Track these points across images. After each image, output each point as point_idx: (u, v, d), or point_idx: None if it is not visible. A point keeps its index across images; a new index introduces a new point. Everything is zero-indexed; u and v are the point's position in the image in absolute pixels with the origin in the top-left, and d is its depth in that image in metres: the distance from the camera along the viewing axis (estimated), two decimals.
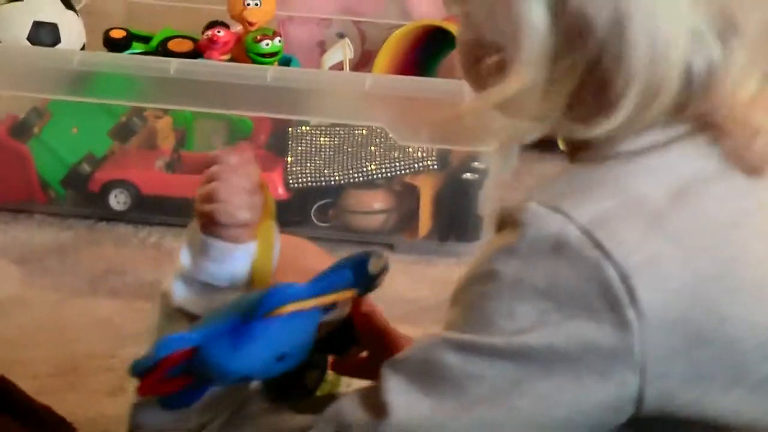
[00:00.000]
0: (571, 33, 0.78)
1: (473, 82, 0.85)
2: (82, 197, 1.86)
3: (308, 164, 1.78)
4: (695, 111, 0.81)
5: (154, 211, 1.81)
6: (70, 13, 1.95)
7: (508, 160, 1.10)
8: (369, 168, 1.69)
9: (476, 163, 1.78)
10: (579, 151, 0.84)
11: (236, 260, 0.98)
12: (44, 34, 1.90)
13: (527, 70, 0.79)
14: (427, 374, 0.80)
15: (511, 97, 0.80)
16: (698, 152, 0.83)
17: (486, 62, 0.82)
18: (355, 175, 1.73)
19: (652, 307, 0.76)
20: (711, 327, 0.78)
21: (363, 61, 2.05)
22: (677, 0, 0.78)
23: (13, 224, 1.81)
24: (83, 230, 1.80)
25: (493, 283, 0.78)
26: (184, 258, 0.97)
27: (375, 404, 0.82)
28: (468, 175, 1.78)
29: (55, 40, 1.90)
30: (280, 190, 1.72)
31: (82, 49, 1.96)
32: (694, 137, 0.82)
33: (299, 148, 1.79)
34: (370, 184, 1.68)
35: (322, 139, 1.77)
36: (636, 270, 0.76)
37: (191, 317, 0.98)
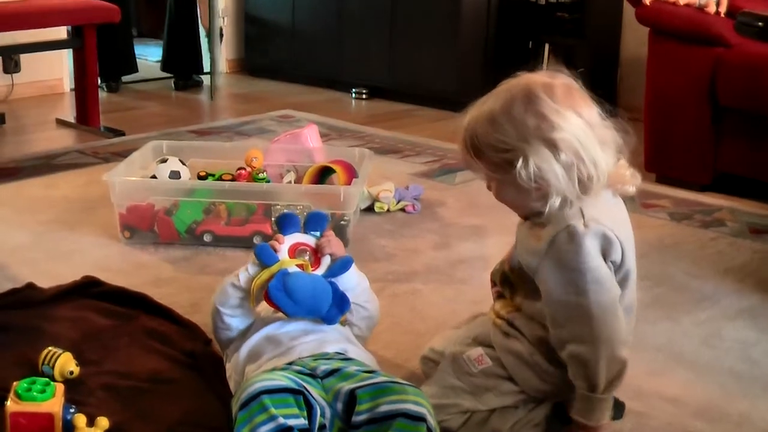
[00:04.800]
0: (580, 180, 1.50)
1: (526, 201, 1.54)
2: (193, 237, 2.71)
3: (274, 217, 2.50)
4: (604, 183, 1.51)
5: (221, 242, 2.68)
6: (185, 167, 2.88)
7: None
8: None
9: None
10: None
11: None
12: (174, 175, 2.81)
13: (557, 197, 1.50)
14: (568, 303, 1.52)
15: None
16: (608, 194, 1.58)
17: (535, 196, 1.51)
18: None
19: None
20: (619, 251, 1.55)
21: (298, 181, 2.89)
22: (605, 153, 1.50)
23: (166, 248, 2.69)
24: (192, 250, 2.70)
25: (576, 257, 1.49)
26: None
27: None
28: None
29: (179, 177, 2.81)
30: (270, 229, 2.60)
31: (190, 179, 2.84)
32: (605, 190, 1.56)
33: (275, 213, 2.62)
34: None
35: (284, 210, 2.55)
36: (611, 232, 1.52)
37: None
